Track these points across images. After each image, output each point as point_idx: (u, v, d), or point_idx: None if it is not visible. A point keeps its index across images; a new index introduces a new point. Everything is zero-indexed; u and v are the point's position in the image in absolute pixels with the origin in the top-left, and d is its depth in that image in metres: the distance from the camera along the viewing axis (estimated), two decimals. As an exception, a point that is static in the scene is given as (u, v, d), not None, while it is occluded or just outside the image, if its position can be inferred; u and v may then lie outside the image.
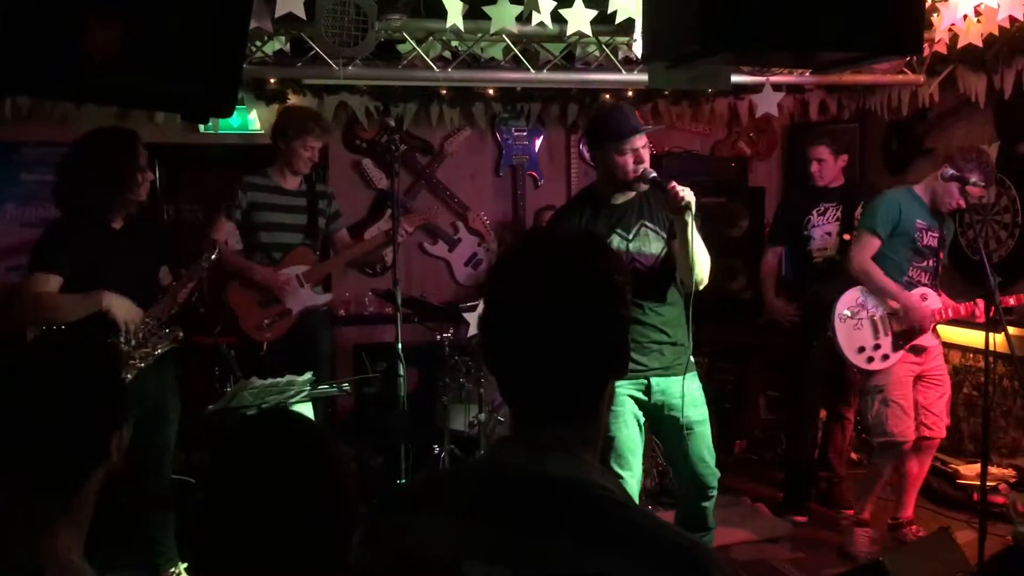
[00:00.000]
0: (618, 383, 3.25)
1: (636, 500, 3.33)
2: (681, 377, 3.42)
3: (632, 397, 3.42)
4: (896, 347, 4.21)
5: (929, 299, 4.22)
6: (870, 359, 4.21)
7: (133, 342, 3.51)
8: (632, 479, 3.43)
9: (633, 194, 3.47)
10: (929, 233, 4.23)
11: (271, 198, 4.47)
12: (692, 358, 3.50)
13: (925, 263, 4.25)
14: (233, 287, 4.48)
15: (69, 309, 3.43)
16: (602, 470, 1.29)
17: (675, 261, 3.43)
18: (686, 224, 3.25)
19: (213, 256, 3.80)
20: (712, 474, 3.49)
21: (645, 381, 3.42)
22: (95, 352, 1.68)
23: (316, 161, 4.54)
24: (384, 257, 6.09)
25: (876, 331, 4.21)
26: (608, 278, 1.29)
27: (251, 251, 4.52)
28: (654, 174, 3.37)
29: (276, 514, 1.38)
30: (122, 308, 3.47)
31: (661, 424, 3.50)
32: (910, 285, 4.23)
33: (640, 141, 3.37)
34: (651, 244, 3.46)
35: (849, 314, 4.22)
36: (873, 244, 4.21)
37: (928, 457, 4.40)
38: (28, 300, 3.46)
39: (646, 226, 3.46)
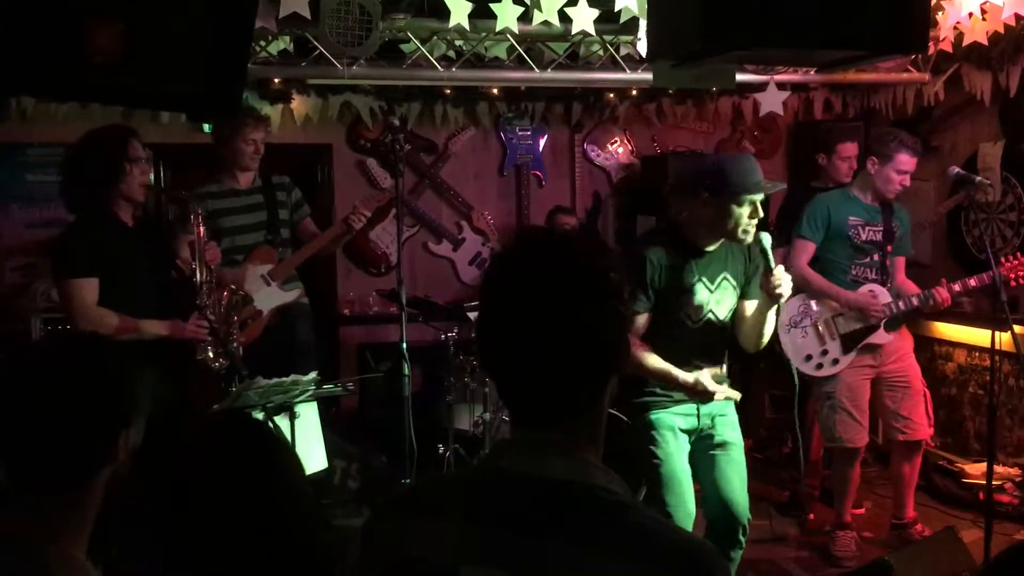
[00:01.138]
0: (668, 410, 3.29)
1: (689, 530, 3.11)
2: (724, 402, 3.34)
3: (681, 426, 3.30)
4: (847, 350, 4.17)
5: (878, 295, 4.18)
6: (819, 365, 4.19)
7: (210, 346, 3.62)
8: (683, 511, 3.22)
9: (721, 242, 3.27)
10: (868, 228, 4.18)
11: (227, 203, 4.38)
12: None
13: (868, 259, 4.20)
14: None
15: (111, 328, 3.42)
16: (606, 471, 1.27)
17: (740, 316, 3.37)
18: (769, 308, 3.20)
19: (200, 211, 3.69)
20: (743, 510, 3.29)
21: (695, 405, 3.29)
22: (103, 350, 1.68)
23: (262, 153, 4.42)
24: (388, 257, 6.10)
25: (821, 337, 4.19)
26: (604, 275, 1.27)
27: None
28: (768, 241, 3.17)
29: (218, 521, 1.37)
30: (175, 328, 3.53)
31: (700, 445, 3.35)
32: (856, 283, 4.19)
33: (759, 196, 3.17)
34: (727, 299, 3.32)
35: (792, 324, 4.17)
36: (807, 248, 4.18)
37: (916, 458, 4.35)
38: (74, 317, 3.46)
39: (727, 279, 3.31)
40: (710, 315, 3.27)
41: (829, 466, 5.08)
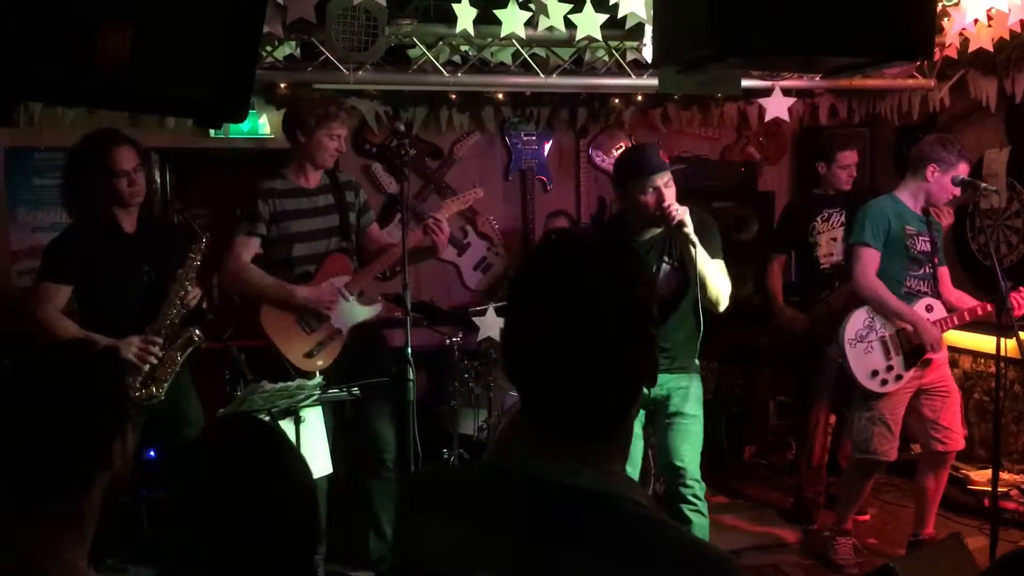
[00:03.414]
0: None
1: None
2: (683, 375, 3.57)
3: None
4: (908, 365, 4.05)
5: (935, 309, 4.09)
6: (884, 382, 4.05)
7: (143, 373, 3.55)
8: (632, 470, 3.53)
9: (659, 230, 3.53)
10: (920, 239, 4.08)
11: (296, 203, 3.90)
12: (697, 362, 3.65)
13: (922, 271, 4.09)
14: (268, 314, 3.88)
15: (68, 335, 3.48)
16: (631, 482, 1.25)
17: (691, 289, 3.50)
18: (685, 238, 3.37)
19: (202, 246, 3.64)
20: (690, 473, 3.55)
21: None
22: (96, 359, 1.68)
23: (343, 151, 3.99)
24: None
25: (887, 352, 4.05)
26: (636, 288, 1.24)
27: (279, 267, 3.91)
28: (678, 217, 3.36)
29: (227, 521, 1.38)
30: (123, 346, 3.48)
31: (656, 414, 3.61)
32: (910, 296, 4.07)
33: (662, 179, 3.40)
34: (670, 280, 3.54)
35: (857, 338, 4.06)
36: (874, 258, 4.02)
37: (944, 471, 4.25)
38: (34, 317, 3.51)
39: (665, 262, 3.54)
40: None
41: (833, 473, 5.08)
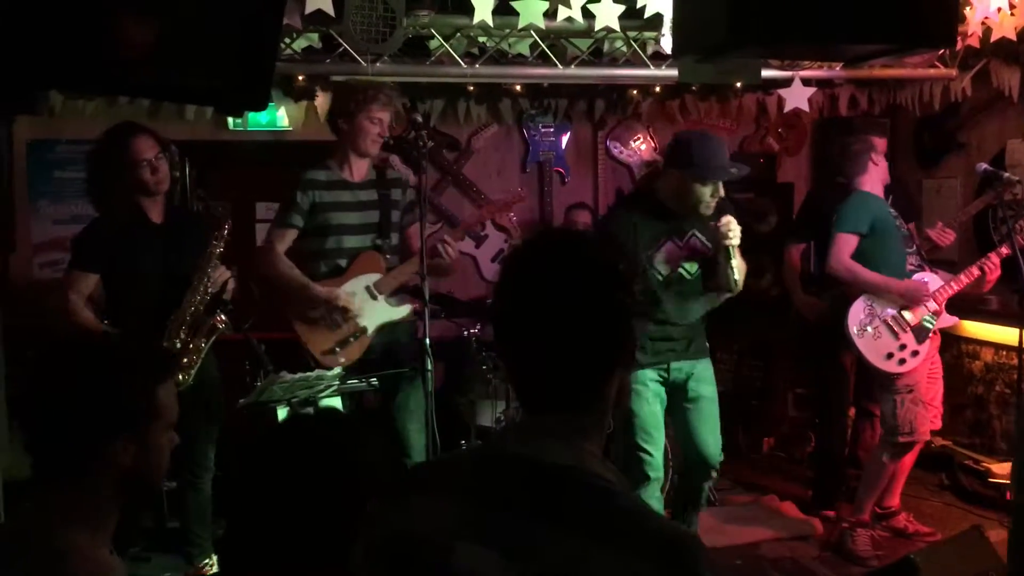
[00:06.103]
0: (648, 367, 3.55)
1: (662, 473, 3.71)
2: (700, 360, 3.74)
3: (657, 379, 3.68)
4: (921, 339, 4.15)
5: (930, 283, 4.22)
6: (901, 361, 4.13)
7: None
8: (657, 453, 3.67)
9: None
10: (899, 220, 4.30)
11: (337, 195, 3.86)
12: (707, 344, 3.82)
13: (912, 248, 4.31)
14: (295, 306, 3.89)
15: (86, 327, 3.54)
16: (603, 461, 1.30)
17: (713, 271, 3.64)
18: (726, 259, 3.50)
19: (224, 233, 3.63)
20: (712, 453, 3.73)
21: (666, 364, 3.68)
22: (98, 358, 1.70)
23: (386, 137, 3.92)
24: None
25: (894, 332, 4.14)
26: (614, 268, 1.30)
27: (313, 259, 3.91)
28: (731, 244, 3.51)
29: (305, 513, 1.39)
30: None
31: (674, 399, 3.74)
32: (911, 274, 4.24)
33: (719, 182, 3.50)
34: (695, 247, 3.66)
35: (862, 327, 4.15)
36: (851, 243, 4.16)
37: (919, 447, 4.34)
38: (59, 305, 3.57)
39: (696, 236, 3.64)
40: (681, 271, 3.64)
41: (852, 464, 5.05)
